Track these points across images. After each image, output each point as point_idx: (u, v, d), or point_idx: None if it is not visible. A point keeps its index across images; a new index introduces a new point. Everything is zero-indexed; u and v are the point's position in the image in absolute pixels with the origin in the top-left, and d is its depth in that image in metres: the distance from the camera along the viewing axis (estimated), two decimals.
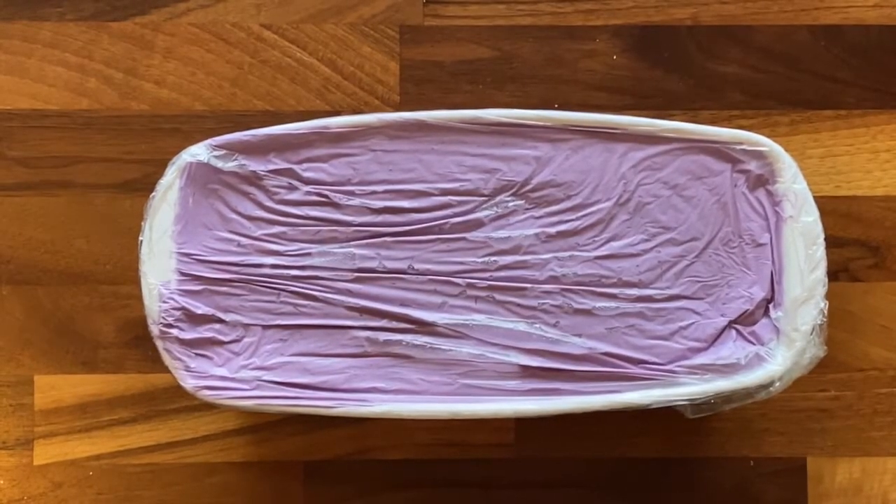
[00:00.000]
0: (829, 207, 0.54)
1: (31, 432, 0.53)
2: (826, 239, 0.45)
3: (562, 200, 0.46)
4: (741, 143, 0.46)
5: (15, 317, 0.53)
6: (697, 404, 0.46)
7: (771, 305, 0.46)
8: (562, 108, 0.51)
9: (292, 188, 0.46)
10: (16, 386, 0.53)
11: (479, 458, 0.53)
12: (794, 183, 0.46)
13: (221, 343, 0.45)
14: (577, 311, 0.46)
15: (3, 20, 0.54)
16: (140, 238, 0.45)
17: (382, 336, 0.46)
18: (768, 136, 0.46)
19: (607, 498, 0.54)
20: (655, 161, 0.46)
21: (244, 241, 0.46)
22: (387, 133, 0.46)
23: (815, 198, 0.46)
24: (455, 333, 0.46)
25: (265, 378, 0.45)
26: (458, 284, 0.46)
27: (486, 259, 0.46)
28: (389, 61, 0.54)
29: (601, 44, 0.55)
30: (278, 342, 0.46)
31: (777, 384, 0.45)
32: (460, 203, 0.46)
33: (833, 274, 0.53)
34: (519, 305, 0.46)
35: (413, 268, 0.46)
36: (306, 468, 0.53)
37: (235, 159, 0.46)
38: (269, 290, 0.46)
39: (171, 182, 0.46)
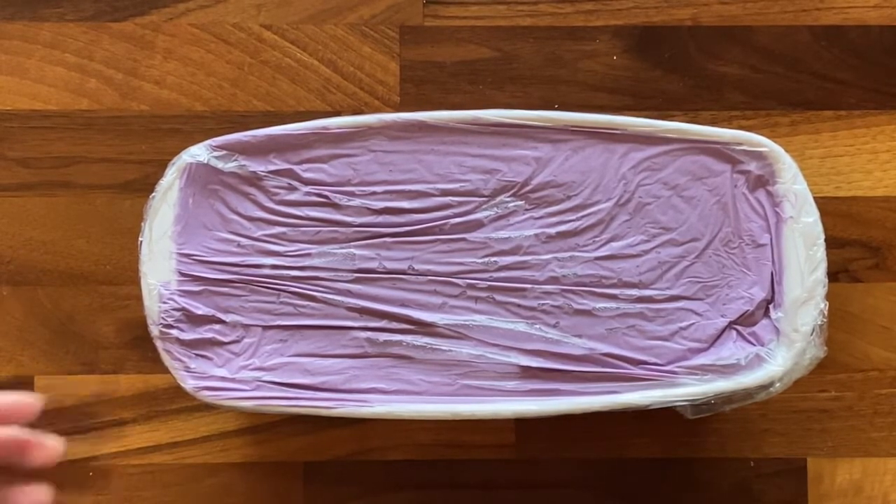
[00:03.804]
0: (829, 208, 0.54)
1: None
2: (826, 239, 0.45)
3: (562, 201, 0.46)
4: (741, 144, 0.46)
5: (15, 317, 0.53)
6: (697, 405, 0.46)
7: (771, 306, 0.46)
8: (562, 108, 0.51)
9: (292, 189, 0.46)
10: (16, 386, 0.53)
11: (480, 458, 0.53)
12: (794, 183, 0.46)
13: (221, 344, 0.45)
14: (578, 312, 0.46)
15: (3, 20, 0.54)
16: (140, 238, 0.45)
17: (382, 336, 0.46)
18: (768, 137, 0.46)
19: (607, 498, 0.54)
20: (655, 161, 0.46)
21: (244, 241, 0.46)
22: (387, 134, 0.46)
23: (815, 198, 0.46)
24: (455, 334, 0.46)
25: (265, 379, 0.45)
26: (458, 285, 0.46)
27: (487, 260, 0.46)
28: (389, 62, 0.54)
29: (601, 44, 0.55)
30: (278, 343, 0.46)
31: (777, 385, 0.45)
32: (460, 203, 0.46)
33: (833, 275, 0.53)
34: (519, 306, 0.46)
35: (413, 268, 0.46)
36: (306, 469, 0.53)
37: (235, 160, 0.46)
38: (269, 290, 0.46)
39: (171, 182, 0.46)
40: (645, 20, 0.55)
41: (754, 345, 0.46)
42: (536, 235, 0.46)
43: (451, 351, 0.46)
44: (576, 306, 0.46)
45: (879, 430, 0.54)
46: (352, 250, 0.46)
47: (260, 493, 0.53)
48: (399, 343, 0.46)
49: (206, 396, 0.45)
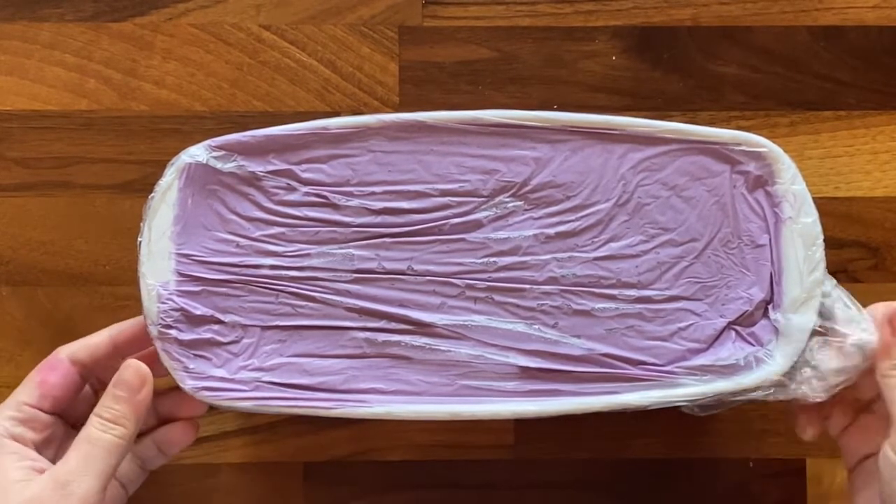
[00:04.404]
0: (828, 208, 0.54)
1: None
2: (825, 240, 0.45)
3: (561, 201, 0.46)
4: (740, 144, 0.46)
5: (15, 317, 0.53)
6: (705, 404, 0.46)
7: (770, 306, 0.46)
8: (561, 108, 0.50)
9: (291, 189, 0.46)
10: (16, 387, 0.53)
11: (479, 459, 0.53)
12: (793, 184, 0.46)
13: (220, 344, 0.45)
14: (577, 312, 0.46)
15: (2, 21, 0.54)
16: (139, 239, 0.45)
17: (381, 337, 0.46)
18: (767, 137, 0.46)
19: (607, 499, 0.54)
20: (654, 162, 0.46)
21: (243, 241, 0.46)
22: (386, 134, 0.46)
23: (814, 199, 0.46)
24: (454, 334, 0.46)
25: (264, 379, 0.45)
26: (457, 285, 0.46)
27: (486, 260, 0.46)
28: (389, 62, 0.54)
29: (601, 45, 0.55)
30: (277, 343, 0.46)
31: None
32: (459, 204, 0.46)
33: (832, 275, 0.52)
34: (518, 306, 0.46)
35: (412, 269, 0.46)
36: (305, 469, 0.53)
37: (234, 160, 0.46)
38: (267, 290, 0.46)
39: (170, 183, 0.46)
40: (644, 20, 0.55)
41: (753, 345, 0.46)
42: (535, 236, 0.46)
43: (449, 351, 0.46)
44: (575, 307, 0.46)
45: None
46: (351, 250, 0.46)
47: (259, 493, 0.53)
48: (398, 343, 0.46)
49: (205, 397, 0.45)
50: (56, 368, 0.45)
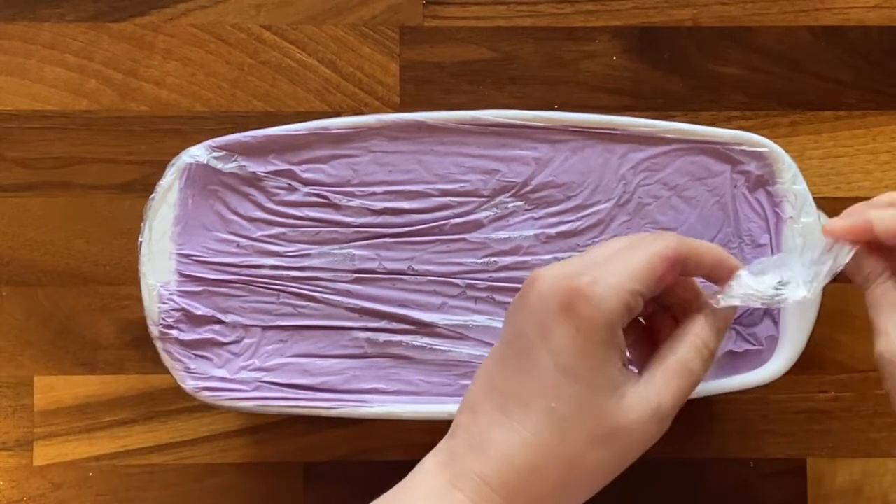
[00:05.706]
0: (829, 208, 0.53)
1: (30, 433, 0.53)
2: None
3: (562, 201, 0.46)
4: (741, 144, 0.46)
5: (15, 318, 0.53)
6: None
7: None
8: (562, 109, 0.50)
9: (292, 189, 0.46)
10: (15, 387, 0.53)
11: None
12: (793, 184, 0.46)
13: (221, 344, 0.46)
14: None
15: (3, 20, 0.54)
16: (140, 239, 0.45)
17: (382, 337, 0.46)
18: (768, 137, 0.46)
19: (607, 498, 0.54)
20: (655, 162, 0.46)
21: (244, 242, 0.46)
22: (386, 134, 0.46)
23: (814, 199, 0.46)
24: (455, 334, 0.46)
25: (265, 379, 0.45)
26: (457, 285, 0.46)
27: (486, 260, 0.46)
28: (389, 62, 0.54)
29: (601, 45, 0.55)
30: (278, 343, 0.46)
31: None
32: (460, 204, 0.46)
33: None
34: None
35: (413, 269, 0.46)
36: (306, 469, 0.53)
37: (235, 160, 0.46)
38: (268, 291, 0.46)
39: (170, 183, 0.46)
40: (645, 21, 0.55)
41: (753, 345, 0.46)
42: (536, 236, 0.46)
43: (450, 351, 0.46)
44: None
45: (879, 431, 0.54)
46: (351, 251, 0.46)
47: (260, 493, 0.53)
48: (399, 343, 0.46)
49: (206, 397, 0.45)
50: (673, 269, 0.38)
